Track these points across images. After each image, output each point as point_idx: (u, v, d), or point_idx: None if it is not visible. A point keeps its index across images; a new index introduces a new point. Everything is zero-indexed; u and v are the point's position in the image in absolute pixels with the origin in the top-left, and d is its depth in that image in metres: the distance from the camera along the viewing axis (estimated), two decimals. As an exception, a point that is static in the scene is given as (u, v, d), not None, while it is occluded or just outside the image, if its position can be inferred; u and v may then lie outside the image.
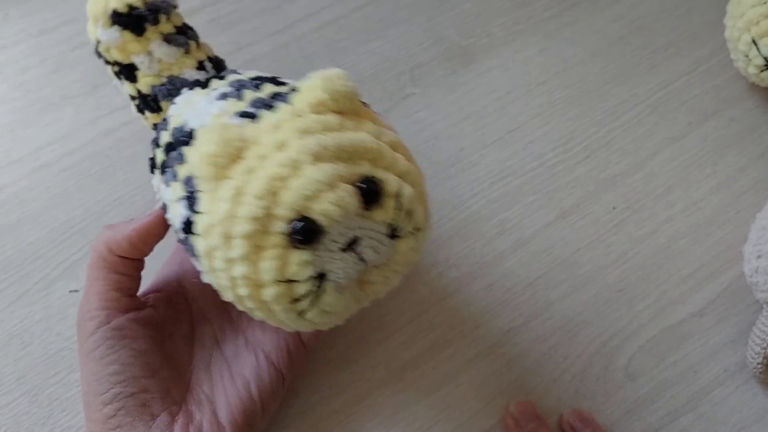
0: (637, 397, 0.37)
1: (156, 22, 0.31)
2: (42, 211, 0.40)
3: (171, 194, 0.27)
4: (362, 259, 0.25)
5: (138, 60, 0.31)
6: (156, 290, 0.34)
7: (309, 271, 0.24)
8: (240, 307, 0.26)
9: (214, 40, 0.46)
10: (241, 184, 0.24)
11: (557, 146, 0.44)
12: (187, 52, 0.32)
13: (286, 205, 0.23)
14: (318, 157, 0.24)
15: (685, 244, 0.41)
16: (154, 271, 0.35)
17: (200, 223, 0.25)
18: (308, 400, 0.36)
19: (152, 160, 0.31)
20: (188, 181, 0.26)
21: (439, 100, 0.45)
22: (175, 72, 0.32)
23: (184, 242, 0.27)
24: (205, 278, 0.27)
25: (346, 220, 0.24)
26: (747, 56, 0.43)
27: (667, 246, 0.41)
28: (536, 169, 0.43)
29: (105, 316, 0.30)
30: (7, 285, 0.38)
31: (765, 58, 0.41)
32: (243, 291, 0.25)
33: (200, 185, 0.25)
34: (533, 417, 0.35)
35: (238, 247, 0.24)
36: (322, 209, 0.23)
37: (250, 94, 0.28)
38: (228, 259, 0.24)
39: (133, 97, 0.33)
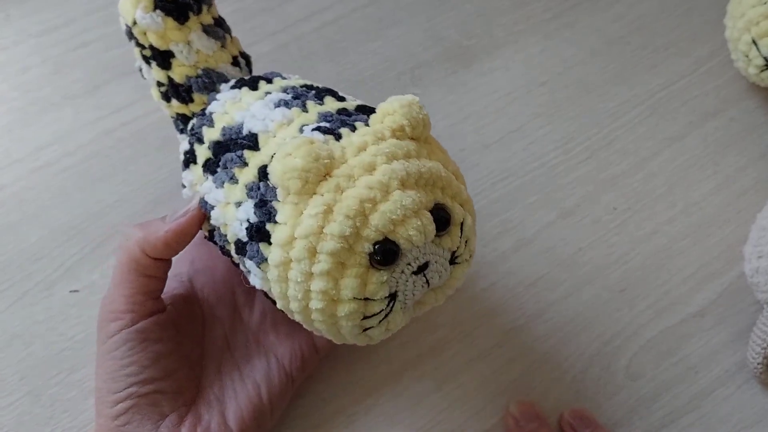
0: (638, 397, 0.37)
1: (199, 11, 0.30)
2: (42, 212, 0.40)
3: (225, 196, 0.27)
4: (428, 282, 0.26)
5: (176, 48, 0.30)
6: (172, 290, 0.34)
7: (385, 291, 0.25)
8: (297, 318, 0.27)
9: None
10: (330, 201, 0.24)
11: (558, 146, 0.44)
12: (224, 45, 0.32)
13: (374, 227, 0.24)
14: (404, 183, 0.25)
15: (686, 245, 0.41)
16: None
17: (279, 233, 0.25)
18: (310, 401, 0.36)
19: (188, 154, 0.30)
20: (256, 188, 0.26)
21: (439, 100, 0.45)
22: (211, 65, 0.31)
23: (241, 246, 0.27)
24: (260, 284, 0.27)
25: (422, 245, 0.25)
26: (747, 56, 0.43)
27: (667, 246, 0.41)
28: (537, 170, 0.43)
29: (130, 318, 0.30)
30: (9, 285, 0.38)
31: (765, 58, 0.41)
32: (317, 304, 0.25)
33: (281, 196, 0.25)
34: (534, 417, 0.35)
35: (323, 263, 0.24)
36: (406, 235, 0.24)
37: (314, 107, 0.28)
38: (308, 273, 0.25)
39: (160, 84, 0.32)
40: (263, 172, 0.26)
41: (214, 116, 0.30)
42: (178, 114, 0.33)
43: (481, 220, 0.41)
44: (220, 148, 0.28)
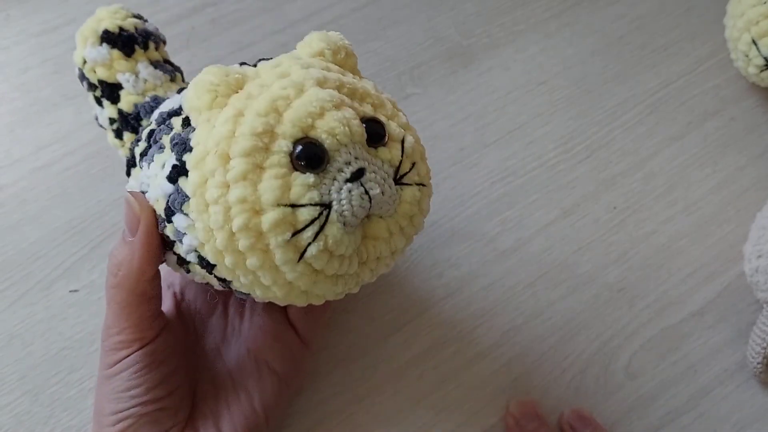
0: (638, 396, 0.37)
1: (145, 47, 0.31)
2: (42, 211, 0.40)
3: (154, 167, 0.25)
4: (368, 195, 0.24)
5: (123, 78, 0.31)
6: (168, 305, 0.33)
7: (313, 195, 0.22)
8: (228, 262, 0.23)
9: (214, 40, 0.46)
10: (241, 106, 0.23)
11: (557, 146, 0.44)
12: (173, 80, 0.32)
13: (290, 122, 0.22)
14: (321, 84, 0.24)
15: (686, 244, 0.41)
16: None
17: (192, 156, 0.23)
18: (308, 400, 0.36)
19: (128, 162, 0.29)
20: (177, 136, 0.25)
21: (439, 100, 0.45)
22: (159, 93, 0.31)
23: (168, 207, 0.25)
24: (188, 246, 0.25)
25: (351, 146, 0.23)
26: (747, 56, 0.43)
27: (667, 245, 0.41)
28: (537, 169, 0.43)
29: (138, 345, 0.29)
30: (8, 285, 0.38)
31: (765, 57, 0.41)
32: (239, 221, 0.22)
33: (195, 120, 0.24)
34: (534, 416, 0.35)
35: (237, 166, 0.22)
36: (327, 127, 0.22)
37: None
38: (224, 183, 0.22)
39: (112, 121, 0.32)
40: (186, 121, 0.25)
41: (143, 129, 0.29)
42: (131, 150, 0.30)
43: (481, 219, 0.41)
44: (152, 132, 0.27)
